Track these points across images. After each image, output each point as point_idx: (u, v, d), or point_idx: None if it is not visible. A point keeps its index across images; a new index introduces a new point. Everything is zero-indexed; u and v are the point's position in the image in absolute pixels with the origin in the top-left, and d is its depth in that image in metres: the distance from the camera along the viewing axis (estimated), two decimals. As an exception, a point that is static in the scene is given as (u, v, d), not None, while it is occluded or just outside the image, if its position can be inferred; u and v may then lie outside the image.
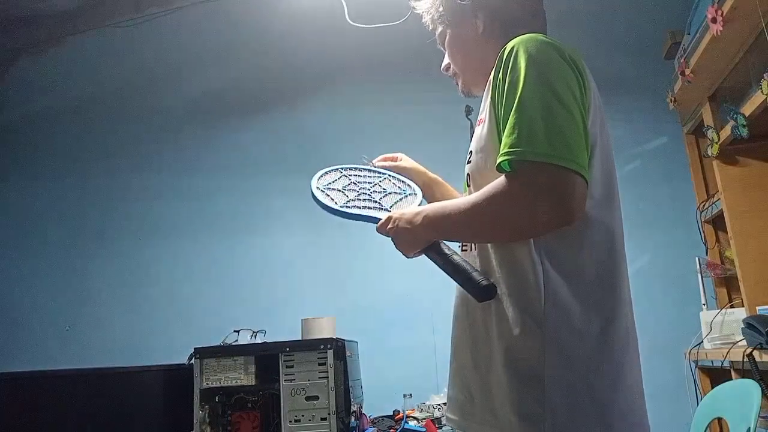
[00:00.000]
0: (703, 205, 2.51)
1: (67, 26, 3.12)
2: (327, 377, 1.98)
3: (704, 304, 2.35)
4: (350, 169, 1.28)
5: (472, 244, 1.01)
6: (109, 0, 3.05)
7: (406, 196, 1.19)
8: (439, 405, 2.26)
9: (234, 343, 2.20)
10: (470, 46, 1.11)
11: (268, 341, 2.21)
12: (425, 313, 2.62)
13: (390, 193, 1.19)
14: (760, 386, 1.51)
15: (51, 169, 3.11)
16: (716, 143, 2.17)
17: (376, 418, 2.28)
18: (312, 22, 2.94)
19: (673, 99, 2.46)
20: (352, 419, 2.07)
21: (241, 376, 2.05)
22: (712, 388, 1.92)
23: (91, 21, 3.10)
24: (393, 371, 2.53)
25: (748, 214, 2.14)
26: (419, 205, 1.17)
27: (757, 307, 1.92)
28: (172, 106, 3.10)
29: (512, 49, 0.91)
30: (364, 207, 1.14)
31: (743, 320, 1.89)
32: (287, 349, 2.03)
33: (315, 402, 1.97)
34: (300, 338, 2.18)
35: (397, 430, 2.16)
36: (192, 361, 2.09)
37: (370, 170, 1.27)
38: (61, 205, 3.06)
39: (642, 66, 2.72)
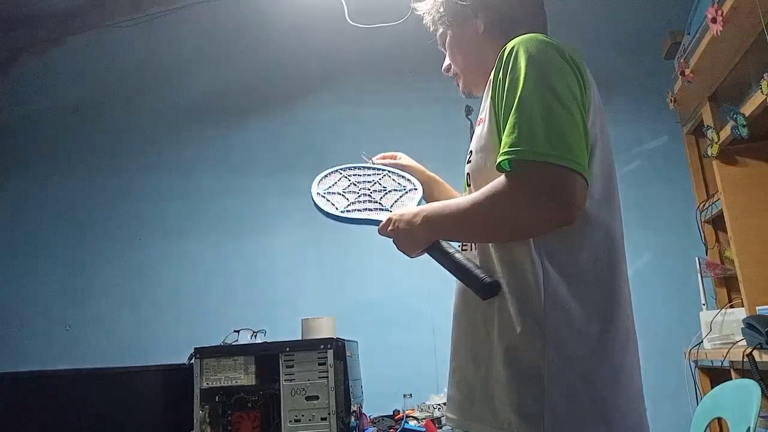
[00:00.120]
0: (703, 205, 2.51)
1: (67, 26, 3.12)
2: (327, 377, 1.98)
3: (704, 304, 2.35)
4: (350, 168, 1.28)
5: (472, 244, 1.01)
6: (109, 0, 3.05)
7: (407, 192, 1.19)
8: (439, 405, 2.26)
9: (234, 343, 2.20)
10: (471, 47, 1.12)
11: (268, 341, 2.21)
12: (425, 313, 2.62)
13: (391, 191, 1.19)
14: (760, 386, 1.51)
15: (51, 169, 3.11)
16: (716, 143, 2.17)
17: (376, 418, 2.28)
18: (312, 22, 2.94)
19: (673, 99, 2.46)
20: (352, 419, 2.07)
21: (241, 376, 2.05)
22: (712, 388, 1.91)
23: (91, 21, 3.10)
24: (393, 371, 2.53)
25: (748, 214, 2.14)
26: (420, 200, 1.17)
27: (757, 307, 1.92)
28: (172, 106, 3.11)
29: (512, 49, 0.92)
30: (365, 209, 1.14)
31: (743, 320, 1.89)
32: (287, 349, 2.03)
33: (315, 402, 1.97)
34: (300, 338, 2.18)
35: (397, 430, 2.16)
36: (192, 361, 2.09)
37: (369, 168, 1.28)
38: (60, 205, 3.06)
39: (642, 66, 2.72)
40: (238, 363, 2.06)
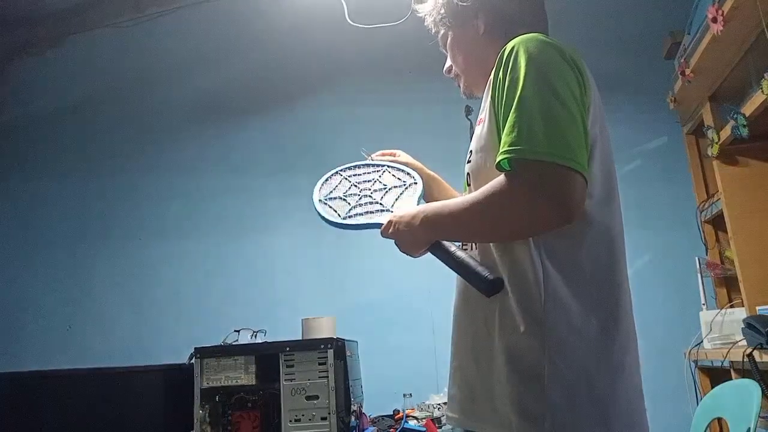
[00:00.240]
0: (703, 205, 2.51)
1: (67, 26, 3.12)
2: (327, 377, 1.98)
3: (704, 304, 2.35)
4: (349, 168, 1.28)
5: (473, 244, 1.02)
6: (109, 0, 3.05)
7: (407, 187, 1.19)
8: (439, 405, 2.26)
9: (234, 343, 2.20)
10: (471, 47, 1.12)
11: (268, 341, 2.21)
12: (425, 313, 2.62)
13: (391, 188, 1.19)
14: (760, 386, 1.51)
15: (52, 169, 3.11)
16: (716, 143, 2.17)
17: (376, 418, 2.28)
18: (312, 22, 2.94)
19: (673, 99, 2.46)
20: (352, 419, 2.07)
21: (241, 375, 2.05)
22: (712, 388, 1.91)
23: (91, 21, 3.10)
24: (393, 371, 2.52)
25: (748, 214, 2.14)
26: (421, 193, 1.16)
27: (757, 307, 1.92)
28: (172, 106, 3.11)
29: (512, 48, 0.92)
30: (366, 212, 1.14)
31: (743, 320, 1.89)
32: (287, 349, 2.03)
33: (315, 401, 1.97)
34: (300, 338, 2.18)
35: (397, 429, 2.16)
36: (192, 360, 2.09)
37: (369, 165, 1.28)
38: (60, 205, 3.06)
39: (642, 66, 2.72)
40: (238, 363, 2.06)
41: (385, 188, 1.19)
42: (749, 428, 1.41)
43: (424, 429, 2.15)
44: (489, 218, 0.92)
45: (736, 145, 2.13)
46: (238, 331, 2.30)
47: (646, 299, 2.34)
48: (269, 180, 2.95)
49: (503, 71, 0.91)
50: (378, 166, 1.27)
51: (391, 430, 2.18)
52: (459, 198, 0.99)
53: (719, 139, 2.15)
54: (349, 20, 2.67)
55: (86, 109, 3.16)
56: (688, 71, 2.15)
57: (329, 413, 1.95)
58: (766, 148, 2.17)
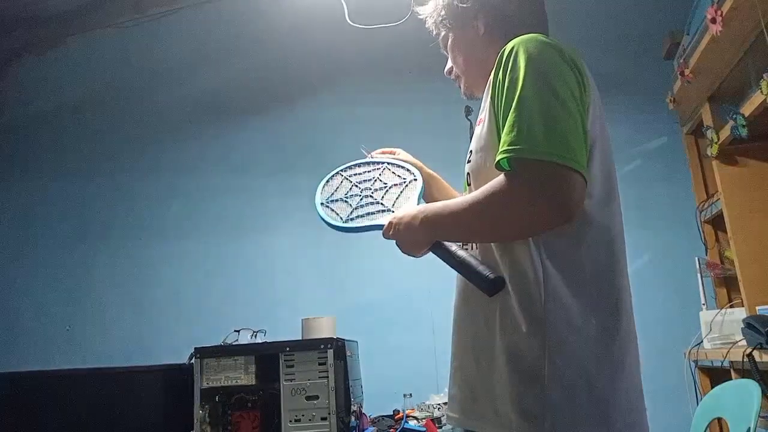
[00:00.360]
0: (703, 205, 2.51)
1: (68, 26, 3.13)
2: (327, 377, 1.98)
3: (704, 304, 2.35)
4: (350, 168, 1.28)
5: (473, 243, 1.02)
6: (109, 0, 3.05)
7: (407, 184, 1.19)
8: (439, 405, 2.26)
9: (234, 343, 2.20)
10: (471, 48, 1.12)
11: (268, 341, 2.21)
12: (425, 313, 2.62)
13: (391, 186, 1.19)
14: (760, 386, 1.51)
15: (52, 169, 3.11)
16: (716, 143, 2.17)
17: (376, 418, 2.28)
18: (312, 22, 2.94)
19: (672, 99, 2.46)
20: (352, 419, 2.07)
21: (241, 375, 2.05)
22: (712, 388, 1.92)
23: (91, 21, 3.10)
24: (393, 371, 2.53)
25: (748, 214, 2.14)
26: (421, 190, 1.16)
27: (757, 307, 1.92)
28: (172, 106, 3.11)
29: (512, 49, 0.92)
30: (367, 214, 1.14)
31: (743, 320, 1.89)
32: (287, 349, 2.03)
33: (315, 402, 1.97)
34: (300, 338, 2.18)
35: (397, 429, 2.16)
36: (192, 360, 2.09)
37: (369, 163, 1.28)
38: (60, 205, 3.06)
39: (642, 66, 2.72)
40: (238, 363, 2.06)
41: (385, 187, 1.19)
42: (749, 428, 1.41)
43: (424, 429, 2.15)
44: (489, 218, 0.92)
45: (736, 145, 2.13)
46: (238, 331, 2.30)
47: (646, 299, 2.34)
48: (269, 180, 2.95)
49: (503, 71, 0.92)
50: (378, 163, 1.27)
51: (391, 430, 2.18)
52: (459, 198, 0.99)
53: (719, 139, 2.16)
54: (349, 20, 2.67)
55: (86, 109, 3.16)
56: (687, 71, 2.15)
57: (329, 413, 1.95)
58: (766, 148, 2.17)
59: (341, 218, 1.16)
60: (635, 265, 2.54)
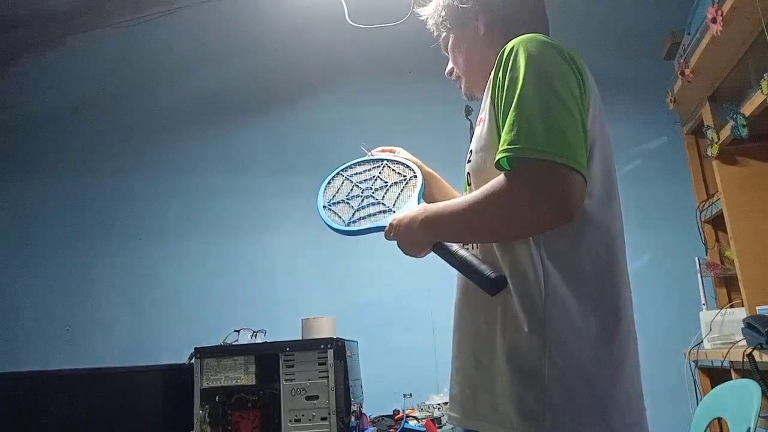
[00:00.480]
0: (703, 205, 2.51)
1: (67, 26, 3.13)
2: (327, 377, 1.98)
3: (704, 304, 2.35)
4: (350, 167, 1.28)
5: (473, 243, 1.02)
6: (109, 0, 3.05)
7: (407, 182, 1.19)
8: (439, 405, 2.26)
9: (234, 343, 2.20)
10: (472, 49, 1.12)
11: (268, 341, 2.21)
12: (425, 313, 2.62)
13: (392, 185, 1.19)
14: (760, 386, 1.51)
15: (52, 169, 3.11)
16: (716, 143, 2.17)
17: (376, 418, 2.28)
18: (312, 22, 2.94)
19: (672, 99, 2.46)
20: (352, 419, 2.07)
21: (241, 375, 2.05)
22: (712, 388, 1.92)
23: (91, 21, 3.10)
24: (393, 371, 2.53)
25: (748, 214, 2.14)
26: (421, 186, 1.16)
27: (757, 307, 1.92)
28: (172, 106, 3.11)
29: (512, 48, 0.92)
30: (368, 215, 1.15)
31: (743, 320, 1.89)
32: (287, 349, 2.03)
33: (315, 402, 1.97)
34: (300, 338, 2.18)
35: (397, 429, 2.16)
36: (192, 360, 2.09)
37: (369, 161, 1.28)
38: (60, 205, 3.06)
39: (642, 66, 2.72)
40: (238, 363, 2.06)
41: (386, 186, 1.19)
42: (749, 428, 1.41)
43: (424, 429, 2.15)
44: (489, 218, 0.92)
45: (736, 145, 2.13)
46: (238, 331, 2.30)
47: (646, 299, 2.33)
48: (269, 180, 2.95)
49: (503, 71, 0.92)
50: (377, 161, 1.27)
51: (391, 430, 2.18)
52: (459, 198, 0.99)
53: (719, 139, 2.16)
54: (349, 20, 2.67)
55: (86, 109, 3.16)
56: (687, 71, 2.15)
57: (329, 413, 1.95)
58: (766, 148, 2.17)
59: (344, 221, 1.17)
60: (635, 265, 2.54)
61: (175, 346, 2.26)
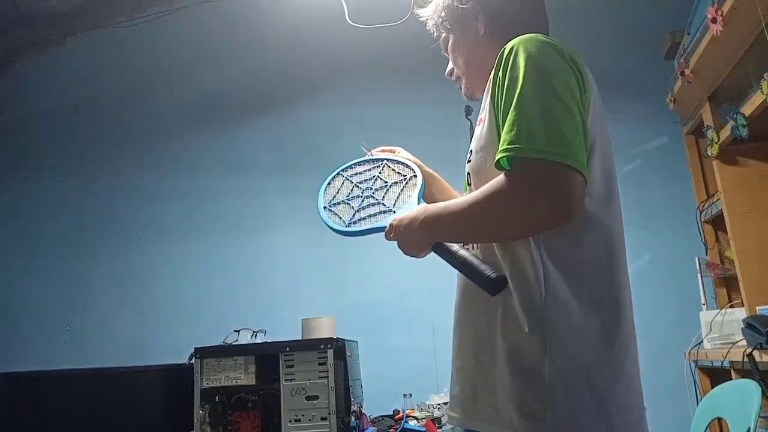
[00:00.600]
0: (703, 205, 2.51)
1: (67, 26, 3.12)
2: (327, 377, 1.98)
3: (704, 304, 2.35)
4: (350, 167, 1.28)
5: (474, 243, 1.02)
6: (109, 0, 3.05)
7: (407, 181, 1.19)
8: (439, 405, 2.26)
9: (234, 343, 2.20)
10: (472, 49, 1.12)
11: (268, 341, 2.21)
12: (425, 313, 2.62)
13: (392, 185, 1.19)
14: (760, 386, 1.51)
15: (52, 169, 3.11)
16: (716, 143, 2.17)
17: (376, 418, 2.28)
18: (312, 22, 2.94)
19: (672, 99, 2.46)
20: (352, 419, 2.07)
21: (241, 375, 2.05)
22: (712, 388, 1.91)
23: (91, 21, 3.10)
24: (393, 371, 2.53)
25: (748, 214, 2.14)
26: (421, 186, 1.16)
27: (757, 307, 1.92)
28: (173, 106, 3.11)
29: (512, 48, 0.92)
30: (369, 216, 1.15)
31: (743, 320, 1.89)
32: (287, 349, 2.03)
33: (315, 402, 1.97)
34: (300, 338, 2.18)
35: (397, 429, 2.16)
36: (192, 360, 2.09)
37: (369, 161, 1.28)
38: (60, 205, 3.06)
39: (642, 66, 2.72)
40: (238, 363, 2.06)
41: (386, 185, 1.19)
42: (749, 428, 1.41)
43: (424, 429, 2.15)
44: (489, 218, 0.92)
45: (736, 145, 2.13)
46: (238, 331, 2.30)
47: (646, 299, 2.34)
48: (269, 180, 2.96)
49: (503, 70, 0.92)
50: (377, 160, 1.27)
51: (391, 430, 2.18)
52: (459, 198, 0.99)
53: (719, 139, 2.16)
54: (349, 20, 2.68)
55: (87, 109, 3.16)
56: (687, 71, 2.15)
57: (329, 413, 1.95)
58: (766, 148, 2.17)
59: (344, 222, 1.17)
60: (635, 265, 2.54)
61: (175, 346, 2.26)
